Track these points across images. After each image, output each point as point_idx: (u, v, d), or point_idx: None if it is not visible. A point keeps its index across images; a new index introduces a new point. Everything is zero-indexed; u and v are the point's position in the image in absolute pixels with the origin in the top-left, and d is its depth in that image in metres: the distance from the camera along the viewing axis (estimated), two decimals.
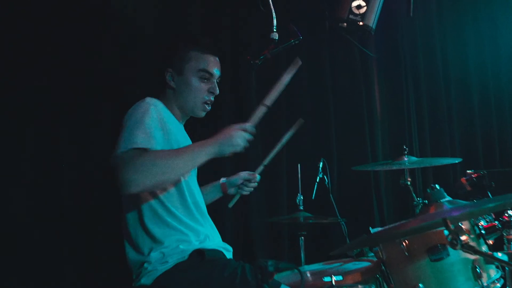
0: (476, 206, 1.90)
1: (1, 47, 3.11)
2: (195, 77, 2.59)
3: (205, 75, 2.60)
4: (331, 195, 3.93)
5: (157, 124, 2.33)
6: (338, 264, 3.20)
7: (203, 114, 2.67)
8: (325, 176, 3.90)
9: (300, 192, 3.60)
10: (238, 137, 2.35)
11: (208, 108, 2.65)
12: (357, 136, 4.67)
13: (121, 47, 3.47)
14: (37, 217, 3.17)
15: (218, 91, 2.65)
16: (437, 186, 2.53)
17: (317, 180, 3.87)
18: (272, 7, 2.82)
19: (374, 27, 4.08)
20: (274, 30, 2.97)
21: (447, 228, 1.97)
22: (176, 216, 2.43)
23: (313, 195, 3.80)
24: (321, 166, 3.91)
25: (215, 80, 2.64)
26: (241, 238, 3.88)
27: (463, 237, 1.94)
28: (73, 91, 3.30)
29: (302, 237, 3.54)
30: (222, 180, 3.03)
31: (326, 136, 4.53)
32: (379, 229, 2.81)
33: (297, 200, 3.57)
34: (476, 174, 3.25)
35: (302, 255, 3.52)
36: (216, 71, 2.65)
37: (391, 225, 2.08)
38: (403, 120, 4.98)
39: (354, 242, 2.01)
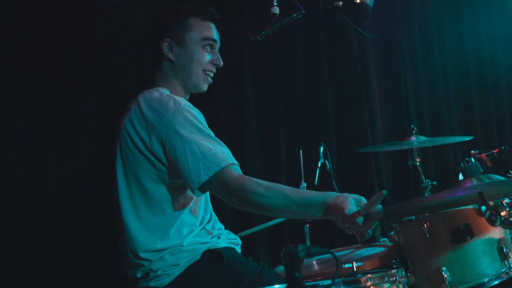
0: None
1: None
2: (198, 46, 2.33)
3: (209, 44, 2.36)
4: (333, 181, 3.78)
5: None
6: (350, 250, 3.06)
7: (206, 88, 2.41)
8: (326, 161, 3.75)
9: (303, 179, 3.47)
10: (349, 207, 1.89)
11: (211, 80, 2.41)
12: (356, 119, 4.53)
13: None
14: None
15: (222, 62, 2.40)
16: (472, 159, 2.39)
17: (319, 165, 3.71)
18: None
19: (371, 5, 3.91)
20: (275, 4, 2.81)
21: (485, 203, 1.83)
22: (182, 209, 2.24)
23: (316, 181, 3.65)
24: (321, 151, 3.76)
25: (217, 51, 2.41)
26: (242, 228, 3.73)
27: (503, 213, 1.81)
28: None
29: (307, 225, 3.40)
30: None
31: (325, 120, 4.38)
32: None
33: (301, 188, 3.43)
34: (496, 150, 3.12)
35: (308, 243, 3.38)
36: (218, 40, 2.41)
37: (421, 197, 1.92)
38: (401, 102, 4.84)
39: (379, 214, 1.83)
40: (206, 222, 2.32)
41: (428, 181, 3.43)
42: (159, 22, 2.46)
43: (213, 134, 2.17)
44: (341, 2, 4.14)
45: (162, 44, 2.33)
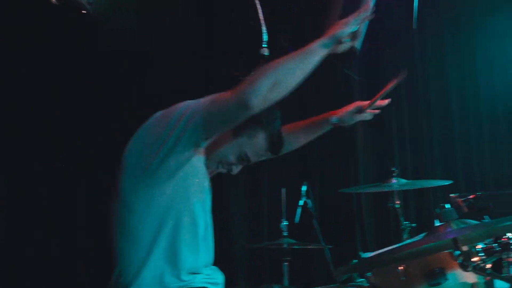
0: (492, 225, 1.79)
1: None
2: None
3: None
4: (315, 220, 3.80)
5: None
6: None
7: None
8: (308, 200, 3.79)
9: (284, 217, 3.49)
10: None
11: None
12: (341, 159, 4.57)
13: None
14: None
15: None
16: (446, 205, 2.42)
17: (301, 204, 3.75)
18: (262, 19, 2.68)
19: (359, 47, 4.00)
20: (264, 46, 2.85)
21: (458, 249, 1.87)
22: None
23: (297, 219, 3.67)
24: (304, 190, 3.80)
25: None
26: (222, 265, 3.72)
27: (475, 259, 1.84)
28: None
29: (286, 263, 3.42)
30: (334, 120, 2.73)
31: (309, 159, 4.43)
32: (371, 253, 2.70)
33: (281, 226, 3.46)
34: (473, 195, 3.16)
35: (286, 281, 3.39)
36: None
37: (394, 246, 1.95)
38: (386, 143, 4.89)
39: (355, 266, 1.88)
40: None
41: (407, 223, 3.47)
42: None
43: None
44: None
45: None
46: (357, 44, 4.19)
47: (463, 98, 5.34)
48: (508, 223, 1.82)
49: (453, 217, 2.33)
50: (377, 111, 2.72)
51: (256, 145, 2.34)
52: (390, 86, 2.52)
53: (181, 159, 2.11)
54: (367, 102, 2.67)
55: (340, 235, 4.28)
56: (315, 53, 2.08)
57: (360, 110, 2.70)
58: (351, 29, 2.14)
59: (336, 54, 4.33)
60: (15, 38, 3.12)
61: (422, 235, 2.59)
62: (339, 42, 2.16)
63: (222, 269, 3.56)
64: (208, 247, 2.35)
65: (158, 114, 2.24)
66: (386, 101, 2.67)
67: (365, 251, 3.43)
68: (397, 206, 3.50)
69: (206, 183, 2.34)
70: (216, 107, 2.05)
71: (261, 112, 2.07)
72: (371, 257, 2.54)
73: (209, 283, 2.30)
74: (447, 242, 1.89)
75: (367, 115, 2.71)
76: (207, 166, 2.34)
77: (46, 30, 3.24)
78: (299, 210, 3.68)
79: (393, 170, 3.42)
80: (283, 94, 2.03)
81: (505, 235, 2.51)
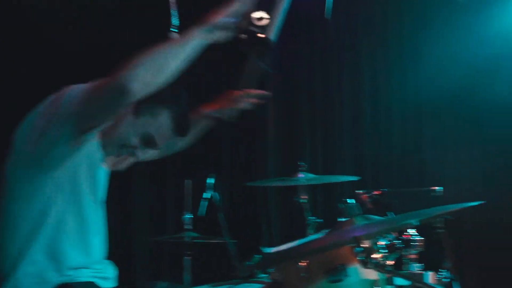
0: (393, 221, 1.74)
1: None
2: None
3: None
4: (220, 214, 3.70)
5: None
6: (227, 286, 2.98)
7: None
8: (215, 194, 3.69)
9: (188, 210, 3.39)
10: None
11: None
12: (250, 153, 4.51)
13: None
14: None
15: None
16: (350, 200, 2.38)
17: (206, 197, 3.64)
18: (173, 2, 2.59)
19: (274, 40, 3.93)
20: (172, 30, 2.74)
21: (359, 245, 1.82)
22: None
23: (202, 213, 3.57)
24: (211, 182, 3.69)
25: None
26: (121, 259, 3.58)
27: (375, 255, 1.80)
28: None
29: (188, 258, 3.31)
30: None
31: (219, 151, 4.33)
32: (273, 249, 2.63)
33: (184, 218, 3.35)
34: (378, 192, 3.16)
35: (187, 276, 3.29)
36: None
37: (298, 243, 1.90)
38: (297, 137, 4.86)
39: (257, 261, 1.82)
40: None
41: (312, 219, 3.43)
42: None
43: None
44: (245, 35, 4.15)
45: None
46: (272, 35, 4.13)
47: (375, 93, 5.38)
48: (409, 220, 1.78)
49: (356, 213, 2.29)
50: (256, 101, 2.70)
51: (161, 126, 2.21)
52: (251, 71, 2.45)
53: (67, 147, 1.99)
54: (239, 92, 2.68)
55: (246, 230, 4.21)
56: (192, 40, 2.01)
57: (235, 100, 2.67)
58: (232, 17, 2.13)
59: (250, 45, 4.27)
60: None
61: (326, 231, 2.55)
62: (222, 29, 2.13)
63: (121, 263, 3.42)
64: (100, 241, 2.23)
65: (50, 98, 2.10)
66: (263, 92, 2.71)
67: (270, 246, 3.37)
68: (303, 201, 3.47)
69: (100, 172, 2.18)
70: (96, 93, 1.96)
71: (164, 91, 2.00)
72: (274, 253, 2.47)
73: (97, 277, 2.17)
74: (348, 239, 1.82)
75: (245, 104, 2.68)
76: (108, 151, 2.18)
77: None
78: (203, 203, 3.57)
79: (300, 165, 3.38)
80: (165, 78, 1.94)
81: (407, 231, 2.52)
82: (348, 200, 2.39)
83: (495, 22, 4.96)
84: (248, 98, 2.64)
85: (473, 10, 4.89)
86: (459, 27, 4.99)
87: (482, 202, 1.90)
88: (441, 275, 2.89)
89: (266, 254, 2.53)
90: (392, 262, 2.49)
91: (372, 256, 1.80)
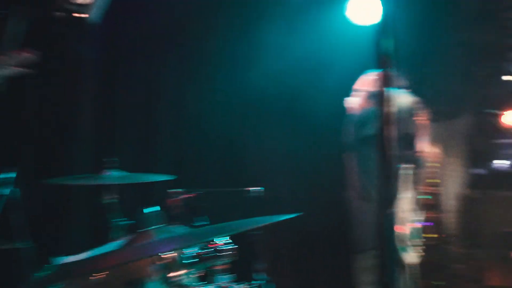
0: (195, 237, 1.55)
1: None
2: None
3: None
4: (17, 212, 3.29)
5: None
6: None
7: None
8: (16, 190, 3.29)
9: None
10: None
11: None
12: (57, 147, 4.09)
13: None
14: None
15: None
16: (149, 209, 2.14)
17: (4, 193, 3.24)
18: None
19: (96, 21, 3.58)
20: None
21: (155, 262, 1.62)
22: None
23: None
24: (10, 177, 3.27)
25: None
26: None
27: (172, 274, 1.62)
28: None
29: None
30: None
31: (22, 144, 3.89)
32: (68, 258, 2.34)
33: None
34: (187, 195, 2.99)
35: None
36: None
37: (94, 253, 1.67)
38: (109, 133, 4.53)
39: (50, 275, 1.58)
40: None
41: (120, 220, 3.17)
42: None
43: None
44: (61, 13, 3.75)
45: None
46: (93, 15, 3.74)
47: (199, 91, 5.21)
48: (210, 237, 1.61)
49: (157, 223, 2.08)
50: (22, 68, 2.59)
51: None
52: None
53: None
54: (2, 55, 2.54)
55: (45, 232, 3.81)
56: None
57: None
58: None
59: (69, 25, 3.88)
60: None
61: (126, 239, 2.29)
62: None
63: None
64: None
65: None
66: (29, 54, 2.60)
67: (70, 251, 3.05)
68: (110, 201, 3.18)
69: None
70: None
71: None
72: (65, 264, 2.19)
73: None
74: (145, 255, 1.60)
75: (8, 70, 2.56)
76: None
77: None
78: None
79: (109, 161, 3.09)
80: None
81: (213, 241, 2.35)
82: (151, 208, 2.17)
83: (322, 19, 5.03)
84: (12, 61, 2.40)
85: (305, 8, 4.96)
86: (289, 24, 5.03)
87: (299, 213, 1.82)
88: (254, 284, 2.77)
89: (59, 265, 2.23)
90: (200, 274, 2.32)
91: (172, 272, 1.59)
